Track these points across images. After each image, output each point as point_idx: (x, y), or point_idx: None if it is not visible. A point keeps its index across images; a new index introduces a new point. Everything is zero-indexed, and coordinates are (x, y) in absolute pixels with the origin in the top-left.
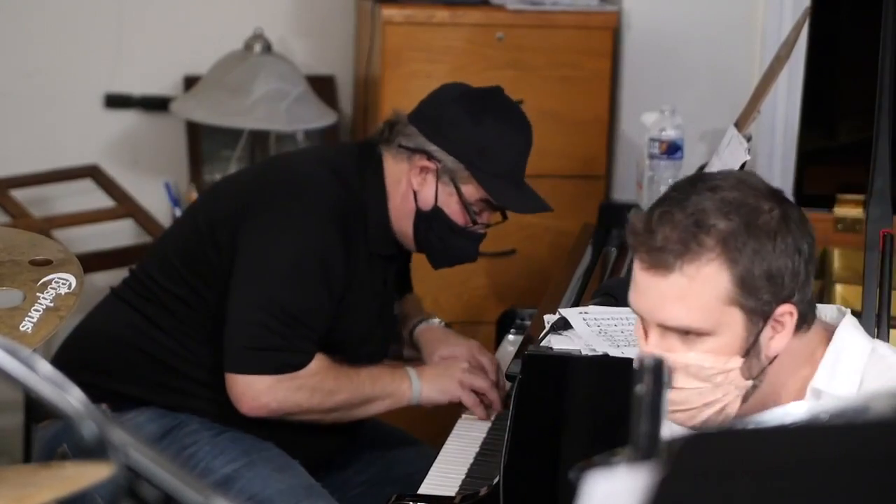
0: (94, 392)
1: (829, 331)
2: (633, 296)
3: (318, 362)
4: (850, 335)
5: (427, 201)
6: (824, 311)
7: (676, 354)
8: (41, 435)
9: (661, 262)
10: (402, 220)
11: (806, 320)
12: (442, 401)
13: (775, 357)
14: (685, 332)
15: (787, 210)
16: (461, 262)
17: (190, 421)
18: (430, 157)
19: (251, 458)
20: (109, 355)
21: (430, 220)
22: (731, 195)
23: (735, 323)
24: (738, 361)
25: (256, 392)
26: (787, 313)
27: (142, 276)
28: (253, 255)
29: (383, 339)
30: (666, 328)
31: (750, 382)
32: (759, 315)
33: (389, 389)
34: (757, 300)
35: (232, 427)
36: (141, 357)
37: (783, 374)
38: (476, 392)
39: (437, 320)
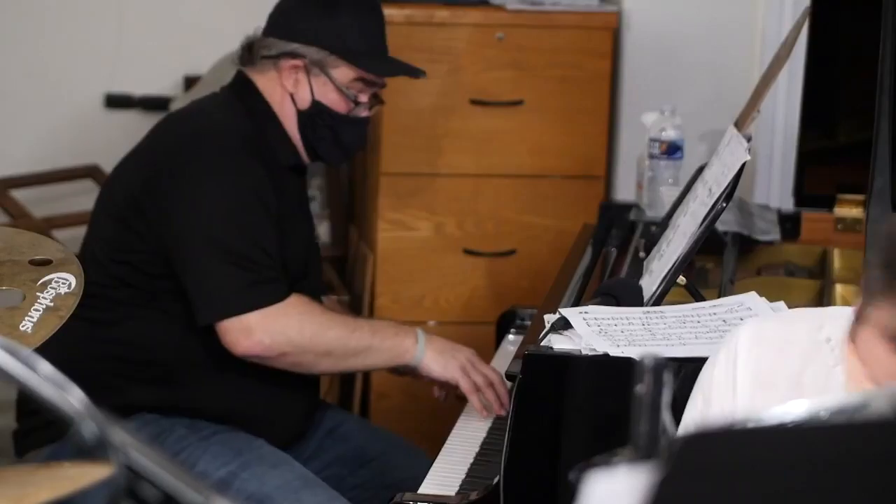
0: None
1: None
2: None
3: (297, 298)
4: None
5: (305, 99)
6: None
7: None
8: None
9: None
10: (289, 128)
11: None
12: (439, 376)
13: None
14: None
15: None
16: (354, 149)
17: (176, 427)
18: (294, 55)
19: (245, 459)
20: (80, 376)
21: (312, 117)
22: None
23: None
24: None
25: (247, 328)
26: None
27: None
28: (186, 210)
29: (317, 268)
30: None
31: None
32: None
33: (390, 343)
34: None
35: (214, 419)
36: (112, 364)
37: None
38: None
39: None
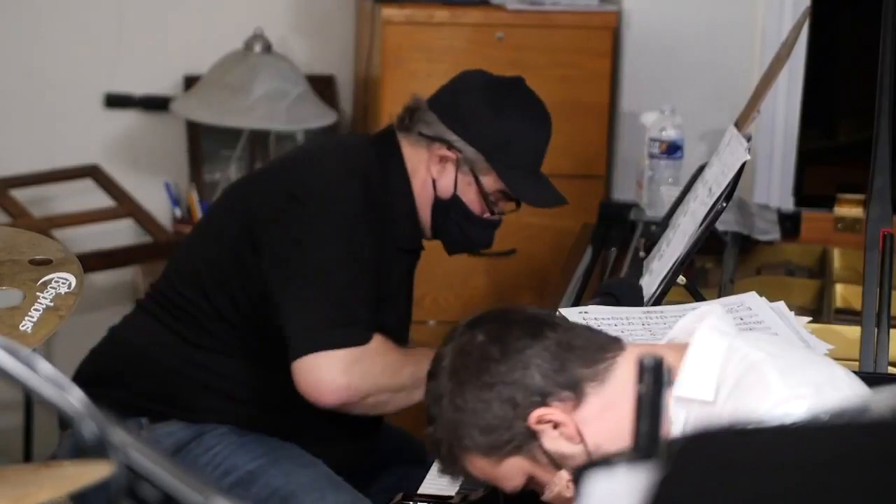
0: (129, 407)
1: (684, 346)
2: None
3: (378, 339)
4: (704, 340)
5: (446, 190)
6: (687, 325)
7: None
8: (66, 443)
9: (451, 474)
10: (421, 207)
11: (579, 388)
12: None
13: (584, 430)
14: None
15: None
16: (478, 249)
17: (219, 427)
18: (450, 146)
19: (275, 455)
20: (143, 373)
21: (447, 209)
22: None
23: (521, 465)
24: (563, 475)
25: (331, 372)
26: (541, 416)
27: (169, 293)
28: (293, 253)
29: (407, 333)
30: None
31: (584, 457)
32: (519, 444)
33: None
34: (508, 443)
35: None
36: (175, 376)
37: (625, 424)
38: None
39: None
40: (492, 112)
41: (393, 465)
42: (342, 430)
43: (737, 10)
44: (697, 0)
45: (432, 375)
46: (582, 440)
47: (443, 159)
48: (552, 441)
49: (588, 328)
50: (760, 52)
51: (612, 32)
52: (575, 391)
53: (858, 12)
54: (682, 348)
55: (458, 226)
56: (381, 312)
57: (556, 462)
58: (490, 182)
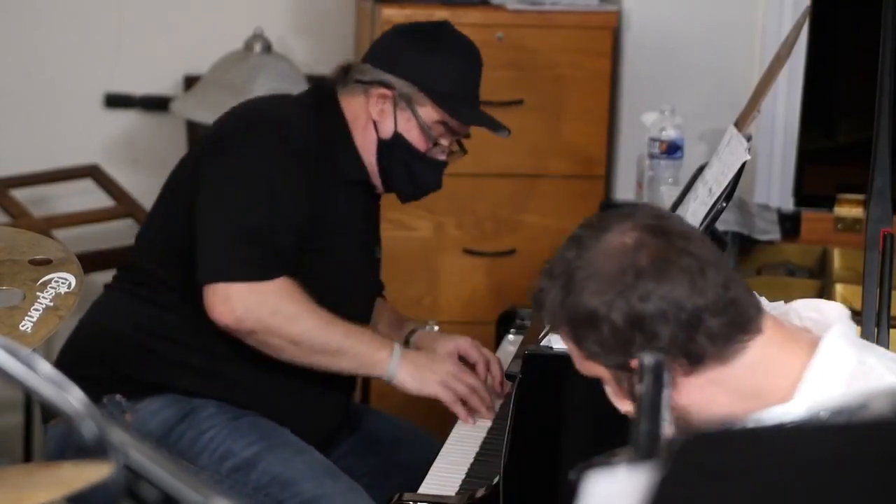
0: (106, 384)
1: (811, 344)
2: None
3: (283, 282)
4: (833, 349)
5: (387, 129)
6: (827, 310)
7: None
8: (52, 434)
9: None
10: (366, 154)
11: (700, 361)
12: (416, 391)
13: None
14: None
15: (622, 270)
16: (427, 190)
17: (206, 405)
18: (385, 85)
19: (271, 441)
20: (119, 346)
21: (391, 148)
22: (572, 254)
23: (604, 374)
24: (629, 405)
25: (226, 296)
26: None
27: (137, 267)
28: (213, 184)
29: (369, 280)
30: None
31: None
32: (615, 368)
33: (363, 349)
34: (604, 358)
35: (246, 408)
36: (152, 342)
37: (717, 404)
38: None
39: (436, 327)
40: (422, 49)
41: (382, 449)
42: (313, 399)
43: (737, 11)
44: (697, 0)
45: (577, 239)
46: (674, 401)
47: (380, 98)
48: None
49: (746, 292)
50: (760, 52)
51: (612, 32)
52: (692, 364)
53: (858, 12)
54: (812, 345)
55: (403, 165)
56: (322, 257)
57: (634, 398)
58: (428, 113)
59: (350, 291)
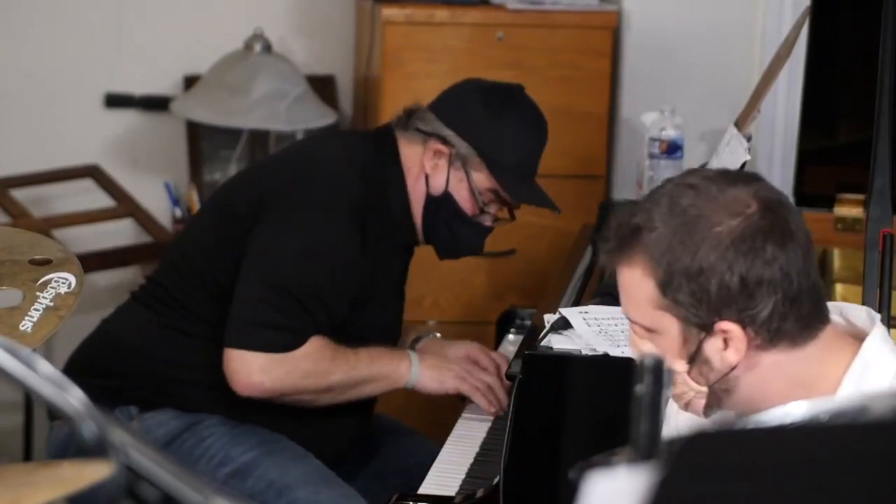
0: (119, 396)
1: (857, 340)
2: None
3: (313, 343)
4: (874, 354)
5: (438, 186)
6: (853, 312)
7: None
8: (55, 433)
9: (608, 256)
10: (414, 203)
11: (779, 339)
12: (437, 390)
13: (746, 369)
14: (641, 326)
15: (752, 231)
16: (467, 253)
17: (210, 417)
18: (444, 141)
19: (268, 448)
20: (133, 362)
21: (438, 206)
22: (688, 201)
23: (671, 327)
24: (682, 366)
25: (249, 369)
26: (730, 330)
27: (164, 283)
28: (263, 243)
29: (398, 332)
30: (629, 320)
31: (705, 389)
32: (694, 325)
33: (387, 370)
34: (687, 311)
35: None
36: (166, 365)
37: (769, 385)
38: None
39: (437, 335)
40: (488, 113)
41: (381, 451)
42: (331, 422)
43: (737, 11)
44: (697, 0)
45: (692, 186)
46: (732, 371)
47: (437, 154)
48: (712, 347)
49: (814, 287)
50: (760, 52)
51: (611, 32)
52: (771, 339)
53: (858, 12)
54: (854, 346)
55: (447, 225)
56: (368, 311)
57: (696, 358)
58: (481, 179)
59: (383, 336)
